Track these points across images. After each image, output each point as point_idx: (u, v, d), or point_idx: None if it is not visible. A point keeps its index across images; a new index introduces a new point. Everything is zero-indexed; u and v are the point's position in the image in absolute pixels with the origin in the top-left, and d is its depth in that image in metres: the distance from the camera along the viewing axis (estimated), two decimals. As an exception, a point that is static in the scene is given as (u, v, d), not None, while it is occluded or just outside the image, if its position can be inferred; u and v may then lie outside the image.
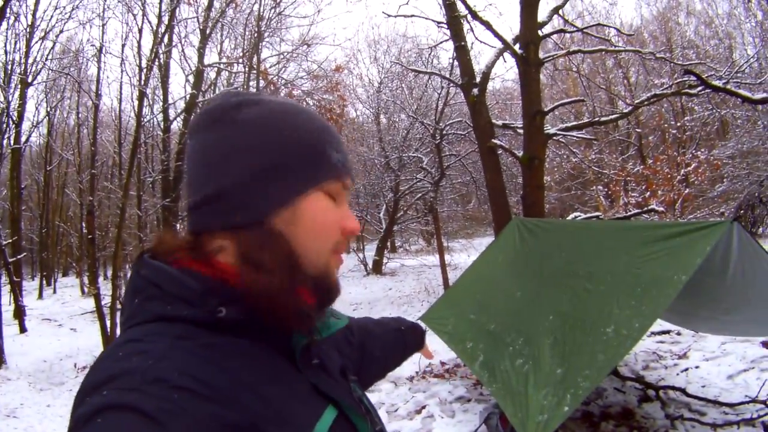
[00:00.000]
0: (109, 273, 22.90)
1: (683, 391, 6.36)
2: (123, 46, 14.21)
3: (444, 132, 15.99)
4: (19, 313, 14.96)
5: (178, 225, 13.97)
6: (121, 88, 25.18)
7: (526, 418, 4.37)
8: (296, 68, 19.32)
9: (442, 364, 9.02)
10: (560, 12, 10.37)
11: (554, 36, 11.15)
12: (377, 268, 22.01)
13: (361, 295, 17.48)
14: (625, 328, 4.39)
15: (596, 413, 6.42)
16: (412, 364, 9.26)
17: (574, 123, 9.55)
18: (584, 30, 9.90)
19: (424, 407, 7.28)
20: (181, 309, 0.83)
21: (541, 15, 10.05)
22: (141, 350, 0.76)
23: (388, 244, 32.44)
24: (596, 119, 9.80)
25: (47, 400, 9.17)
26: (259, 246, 0.87)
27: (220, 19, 15.89)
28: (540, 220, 7.85)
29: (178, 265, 0.89)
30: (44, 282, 25.80)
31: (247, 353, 0.84)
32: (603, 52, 14.15)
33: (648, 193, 13.92)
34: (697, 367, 7.38)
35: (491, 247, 7.57)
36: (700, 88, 6.42)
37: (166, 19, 12.78)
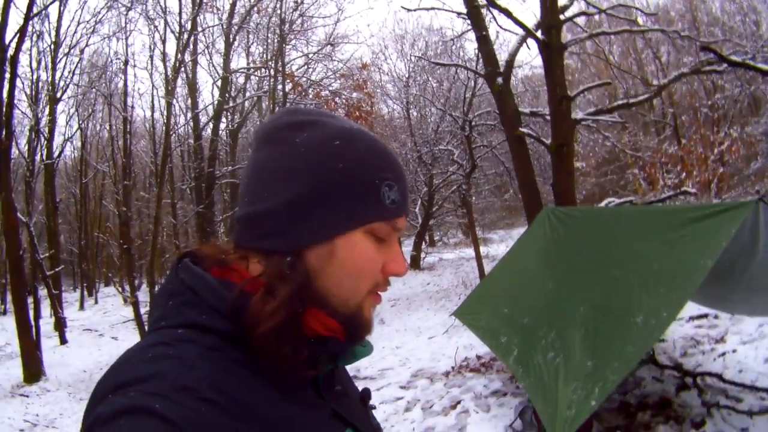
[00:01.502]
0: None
1: (719, 377, 6.23)
2: (151, 57, 14.18)
3: (473, 123, 15.89)
4: (59, 325, 15.29)
5: (212, 231, 14.12)
6: (152, 98, 25.53)
7: (555, 413, 4.33)
8: (323, 68, 19.40)
9: (478, 357, 8.98)
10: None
11: (580, 19, 10.99)
12: (415, 264, 21.97)
13: (399, 291, 17.50)
14: (654, 317, 4.30)
15: (633, 403, 6.33)
16: (449, 358, 9.24)
17: (601, 107, 9.37)
18: (607, 11, 9.71)
19: (459, 402, 7.25)
20: (215, 320, 0.82)
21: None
22: (172, 355, 0.75)
23: (427, 238, 32.54)
24: (624, 102, 9.59)
25: None
26: (279, 274, 0.85)
27: (244, 25, 16.00)
28: (571, 208, 7.75)
29: (216, 275, 0.88)
30: (86, 293, 26.28)
31: (273, 373, 0.83)
32: (630, 33, 13.86)
33: (684, 174, 13.65)
34: (734, 351, 7.19)
35: (522, 238, 7.50)
36: (718, 65, 6.19)
37: (188, 28, 12.89)
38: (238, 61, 18.55)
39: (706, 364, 6.99)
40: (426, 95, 19.95)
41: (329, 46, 18.90)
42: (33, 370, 11.43)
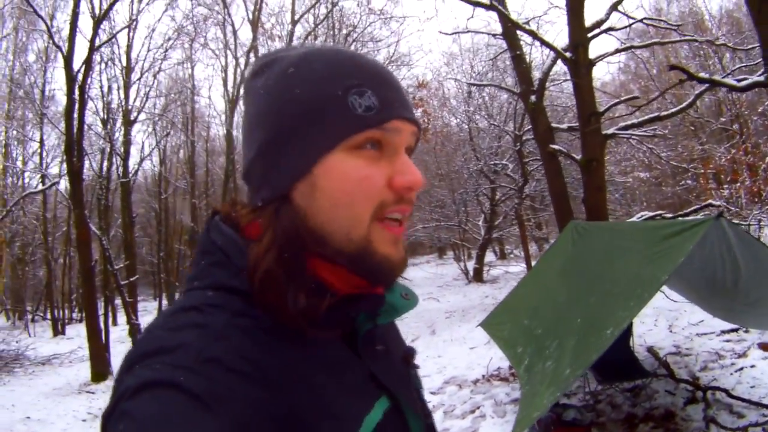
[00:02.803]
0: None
1: (726, 392, 6.22)
2: (224, 79, 15.04)
3: (524, 138, 16.00)
4: (133, 331, 16.28)
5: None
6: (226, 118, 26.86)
7: (525, 415, 4.59)
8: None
9: (510, 367, 9.12)
10: (620, 7, 10.25)
11: (619, 33, 11.07)
12: (478, 276, 22.08)
13: (458, 303, 17.54)
14: (618, 329, 4.50)
15: (640, 415, 6.41)
16: (483, 368, 9.43)
17: (632, 122, 9.40)
18: (630, 26, 9.76)
19: (478, 408, 7.48)
20: (244, 282, 0.79)
21: (600, 13, 10.05)
22: (199, 323, 0.74)
23: (497, 251, 32.44)
24: (655, 116, 9.58)
25: None
26: (267, 224, 0.83)
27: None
28: (593, 223, 7.88)
29: (245, 234, 0.85)
30: (166, 302, 27.59)
31: (301, 336, 0.79)
32: (658, 45, 13.64)
33: (737, 184, 13.28)
34: (752, 366, 7.12)
35: (548, 251, 7.72)
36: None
37: (242, 59, 13.63)
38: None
39: (722, 378, 6.94)
40: (480, 111, 20.10)
41: (393, 65, 19.24)
42: (100, 370, 12.32)
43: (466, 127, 21.31)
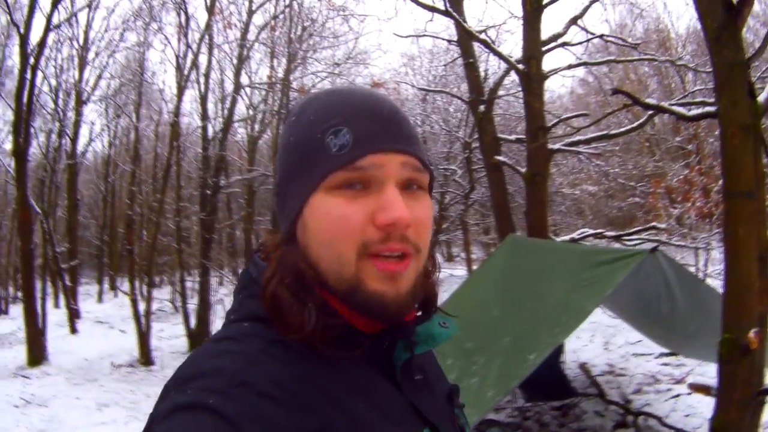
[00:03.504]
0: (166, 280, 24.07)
1: (660, 420, 6.22)
2: (177, 66, 14.82)
3: (473, 146, 16.05)
4: (71, 316, 15.94)
5: (211, 238, 14.54)
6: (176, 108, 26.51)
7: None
8: (341, 84, 19.67)
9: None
10: (580, 22, 10.23)
11: (578, 48, 11.08)
12: (419, 279, 22.07)
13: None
14: (541, 356, 4.44)
15: (567, 435, 6.40)
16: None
17: (579, 138, 9.42)
18: (588, 41, 9.79)
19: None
20: None
21: (558, 27, 10.02)
22: (234, 350, 0.76)
23: (446, 253, 32.58)
24: (604, 134, 9.64)
25: (78, 393, 9.78)
26: (279, 259, 0.85)
27: (256, 42, 16.46)
28: (532, 239, 7.83)
29: None
30: (107, 287, 27.33)
31: (339, 364, 0.80)
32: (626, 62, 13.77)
33: (689, 204, 13.44)
34: (689, 393, 7.08)
35: (486, 262, 7.66)
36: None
37: (195, 47, 13.42)
38: (255, 77, 18.98)
39: (656, 404, 6.94)
40: (439, 113, 20.11)
41: (350, 63, 19.17)
42: (36, 354, 12.08)
43: (420, 129, 21.29)
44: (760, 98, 4.01)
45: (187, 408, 0.68)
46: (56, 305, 21.31)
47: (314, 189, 0.82)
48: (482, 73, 13.21)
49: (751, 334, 3.39)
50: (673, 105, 5.57)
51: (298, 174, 0.85)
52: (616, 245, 9.46)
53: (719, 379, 3.66)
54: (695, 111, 4.77)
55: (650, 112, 8.37)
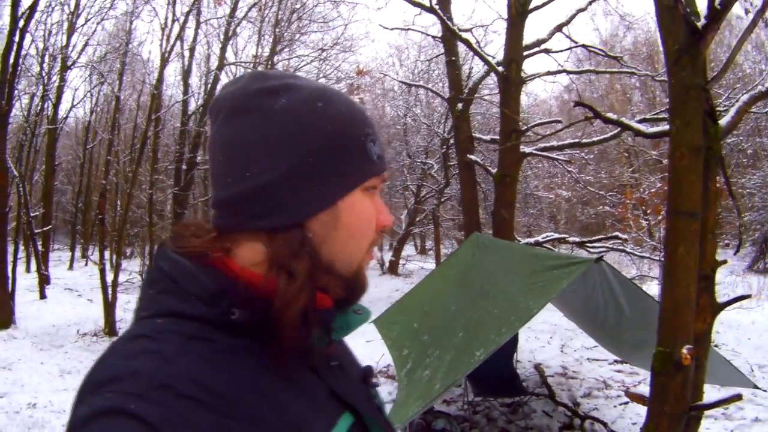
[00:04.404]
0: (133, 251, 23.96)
1: (605, 424, 6.37)
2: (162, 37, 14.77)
3: (450, 142, 16.19)
4: (41, 281, 15.85)
5: (183, 213, 14.51)
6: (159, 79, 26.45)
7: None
8: (319, 70, 19.69)
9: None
10: (564, 30, 10.36)
11: (563, 54, 11.23)
12: (393, 269, 22.28)
13: (367, 294, 17.63)
14: (486, 353, 4.57)
15: (513, 432, 6.54)
16: (373, 362, 9.43)
17: (552, 144, 9.58)
18: (570, 49, 9.95)
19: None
20: (194, 307, 0.79)
21: (544, 32, 10.16)
22: (151, 350, 0.73)
23: (418, 245, 32.80)
24: (576, 141, 9.81)
25: (42, 359, 9.80)
26: (292, 252, 0.82)
27: (244, 20, 16.42)
28: (495, 239, 7.98)
29: (196, 261, 0.84)
30: (79, 254, 27.03)
31: (261, 357, 0.79)
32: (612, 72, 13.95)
33: (660, 216, 13.64)
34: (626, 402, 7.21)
35: (449, 258, 7.80)
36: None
37: (181, 20, 13.36)
38: (240, 55, 18.95)
39: (604, 409, 7.10)
40: (421, 107, 20.22)
41: (337, 48, 19.19)
42: (3, 317, 12.03)
43: (402, 121, 21.38)
44: (722, 121, 4.12)
45: (108, 413, 0.65)
46: (27, 270, 21.12)
47: (356, 186, 0.87)
48: (466, 71, 13.38)
49: (685, 350, 3.48)
50: (637, 121, 5.69)
51: (337, 166, 0.85)
52: (582, 252, 9.70)
53: (651, 391, 3.74)
54: (653, 129, 4.89)
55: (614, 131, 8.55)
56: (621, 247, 10.18)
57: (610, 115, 4.84)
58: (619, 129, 9.46)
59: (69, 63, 17.87)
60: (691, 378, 3.70)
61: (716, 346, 7.89)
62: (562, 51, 10.17)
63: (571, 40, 10.65)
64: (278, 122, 0.84)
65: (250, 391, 0.75)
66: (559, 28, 10.21)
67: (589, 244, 9.76)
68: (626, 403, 7.19)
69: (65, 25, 18.08)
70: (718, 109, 4.53)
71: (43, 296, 16.12)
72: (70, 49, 18.06)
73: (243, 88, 0.88)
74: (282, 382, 0.80)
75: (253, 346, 0.79)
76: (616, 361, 8.82)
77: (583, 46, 10.69)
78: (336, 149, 0.85)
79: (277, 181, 0.83)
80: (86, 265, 25.06)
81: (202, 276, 0.81)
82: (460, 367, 4.73)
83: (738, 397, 3.92)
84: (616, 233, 10.17)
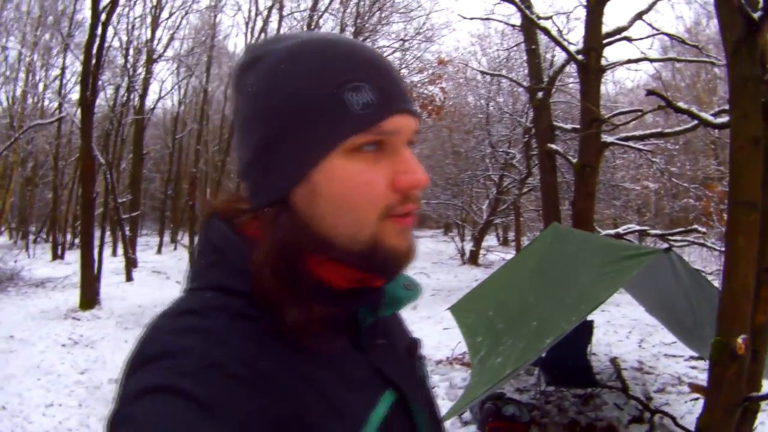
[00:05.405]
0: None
1: (674, 419, 6.29)
2: (250, 31, 15.11)
3: (533, 131, 16.02)
4: (128, 264, 16.63)
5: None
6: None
7: (459, 406, 4.79)
8: (402, 61, 19.69)
9: (474, 354, 9.20)
10: (645, 17, 10.13)
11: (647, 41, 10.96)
12: (473, 259, 22.15)
13: (447, 283, 17.53)
14: (556, 338, 4.63)
15: (583, 423, 6.50)
16: (449, 350, 9.49)
17: (634, 134, 9.38)
18: (650, 37, 9.70)
19: (433, 388, 7.53)
20: (243, 283, 0.76)
21: (624, 20, 9.97)
22: (200, 327, 0.72)
23: (500, 236, 32.47)
24: (658, 131, 9.58)
25: (126, 337, 10.21)
26: (265, 228, 0.78)
27: (325, 14, 16.64)
28: (572, 230, 7.95)
29: (242, 232, 0.81)
30: (168, 239, 28.04)
31: (303, 336, 0.75)
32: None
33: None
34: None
35: (526, 248, 7.81)
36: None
37: (264, 14, 13.68)
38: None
39: (675, 404, 6.95)
40: (505, 96, 20.01)
41: (419, 38, 19.17)
42: (88, 298, 12.67)
43: (485, 109, 21.21)
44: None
45: (158, 389, 0.65)
46: (114, 254, 22.18)
47: (330, 151, 0.75)
48: (548, 59, 13.20)
49: (740, 340, 3.46)
50: (716, 112, 5.57)
51: (303, 134, 0.75)
52: (664, 245, 9.46)
53: (708, 381, 3.74)
54: (721, 119, 4.80)
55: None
56: (701, 241, 9.91)
57: (680, 104, 4.79)
58: (692, 126, 9.27)
59: (155, 56, 18.60)
60: (746, 368, 3.68)
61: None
62: (642, 39, 9.92)
63: (652, 28, 10.40)
64: (249, 98, 0.80)
65: (293, 373, 0.73)
66: (639, 16, 9.99)
67: (670, 237, 9.53)
68: (698, 398, 7.06)
69: (149, 18, 18.84)
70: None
71: (129, 279, 16.90)
72: (155, 42, 18.81)
73: (235, 65, 0.86)
74: (322, 360, 0.77)
75: None
76: (692, 357, 8.61)
77: (664, 33, 10.40)
78: (299, 113, 0.75)
79: (252, 161, 0.80)
80: (175, 249, 26.08)
81: (248, 251, 0.78)
82: (530, 354, 4.80)
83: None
84: (695, 226, 9.89)
